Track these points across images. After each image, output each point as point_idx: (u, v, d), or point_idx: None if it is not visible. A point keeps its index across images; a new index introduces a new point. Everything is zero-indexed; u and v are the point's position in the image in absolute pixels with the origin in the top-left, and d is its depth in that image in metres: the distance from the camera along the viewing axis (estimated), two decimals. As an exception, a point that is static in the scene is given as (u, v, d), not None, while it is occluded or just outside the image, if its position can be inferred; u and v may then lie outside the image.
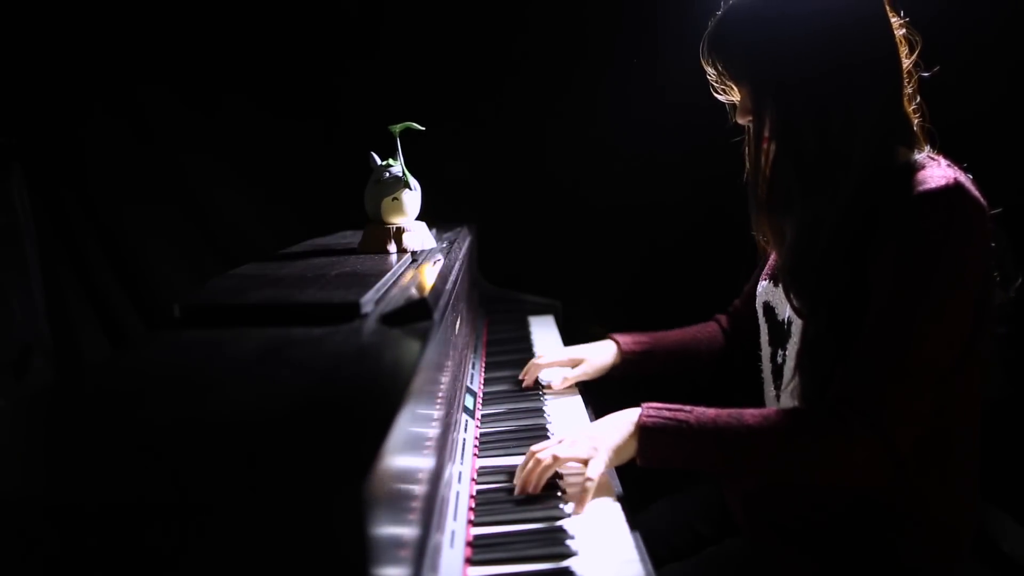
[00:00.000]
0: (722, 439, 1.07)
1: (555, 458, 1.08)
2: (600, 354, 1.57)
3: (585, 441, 1.10)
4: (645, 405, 1.12)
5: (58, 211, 2.17)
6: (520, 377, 1.59)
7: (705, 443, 1.07)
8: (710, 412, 1.09)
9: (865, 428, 1.02)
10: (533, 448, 1.12)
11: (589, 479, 1.06)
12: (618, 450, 1.10)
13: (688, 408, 1.10)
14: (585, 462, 1.08)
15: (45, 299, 1.89)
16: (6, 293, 1.78)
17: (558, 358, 1.59)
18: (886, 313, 1.04)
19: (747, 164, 1.21)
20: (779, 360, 1.26)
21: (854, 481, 1.09)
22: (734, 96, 1.22)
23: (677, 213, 2.23)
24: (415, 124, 1.47)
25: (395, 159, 1.50)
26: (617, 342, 1.58)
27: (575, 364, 1.57)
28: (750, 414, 1.08)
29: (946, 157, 1.12)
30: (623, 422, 1.11)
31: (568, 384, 1.56)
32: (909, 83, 1.14)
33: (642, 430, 1.09)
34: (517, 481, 1.10)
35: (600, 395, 1.55)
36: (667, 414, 1.09)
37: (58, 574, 0.54)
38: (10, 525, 0.54)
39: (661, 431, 1.08)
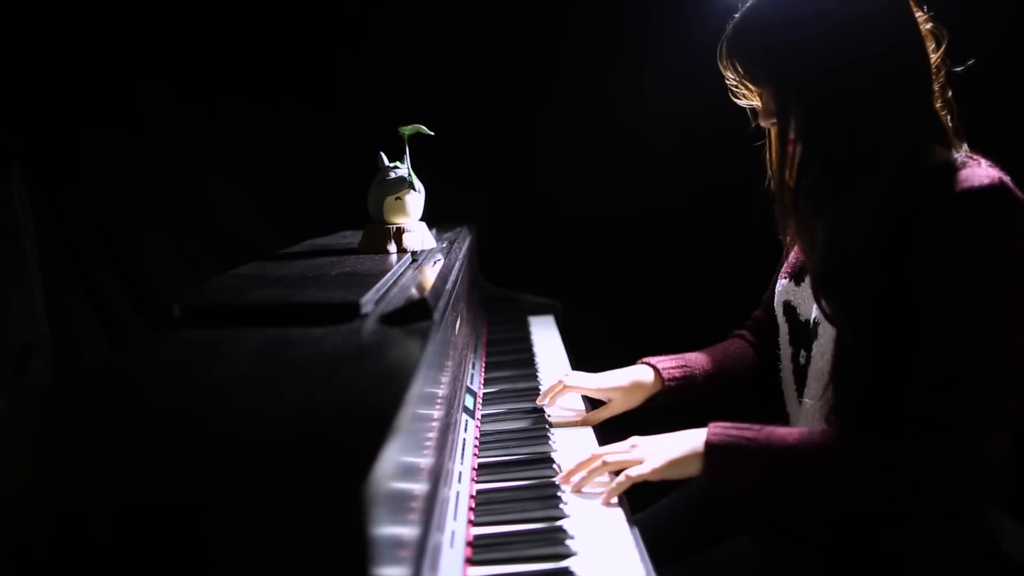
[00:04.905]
0: (795, 461, 1.03)
1: (604, 463, 1.12)
2: (632, 394, 1.40)
3: (641, 452, 1.12)
4: (712, 424, 1.09)
5: (58, 211, 2.17)
6: (539, 402, 1.46)
7: (776, 464, 1.04)
8: (780, 431, 1.05)
9: (959, 446, 0.97)
10: (595, 452, 1.15)
11: (628, 476, 1.08)
12: (674, 463, 1.08)
13: (757, 427, 1.07)
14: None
15: (45, 299, 1.90)
16: (6, 293, 1.79)
17: (587, 385, 1.42)
18: (952, 319, 0.99)
19: (770, 169, 1.18)
20: (801, 360, 1.24)
21: (951, 503, 1.04)
22: (753, 100, 1.20)
23: (677, 214, 2.24)
24: (424, 128, 1.47)
25: (402, 161, 1.50)
26: (656, 369, 1.40)
27: (607, 397, 1.41)
28: (822, 434, 1.04)
29: (986, 157, 1.08)
30: (689, 438, 1.10)
31: (585, 422, 1.41)
32: (937, 78, 1.11)
33: (708, 447, 1.07)
34: (572, 478, 1.13)
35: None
36: (734, 432, 1.07)
37: (59, 575, 0.54)
38: (10, 525, 0.54)
39: (727, 448, 1.06)
